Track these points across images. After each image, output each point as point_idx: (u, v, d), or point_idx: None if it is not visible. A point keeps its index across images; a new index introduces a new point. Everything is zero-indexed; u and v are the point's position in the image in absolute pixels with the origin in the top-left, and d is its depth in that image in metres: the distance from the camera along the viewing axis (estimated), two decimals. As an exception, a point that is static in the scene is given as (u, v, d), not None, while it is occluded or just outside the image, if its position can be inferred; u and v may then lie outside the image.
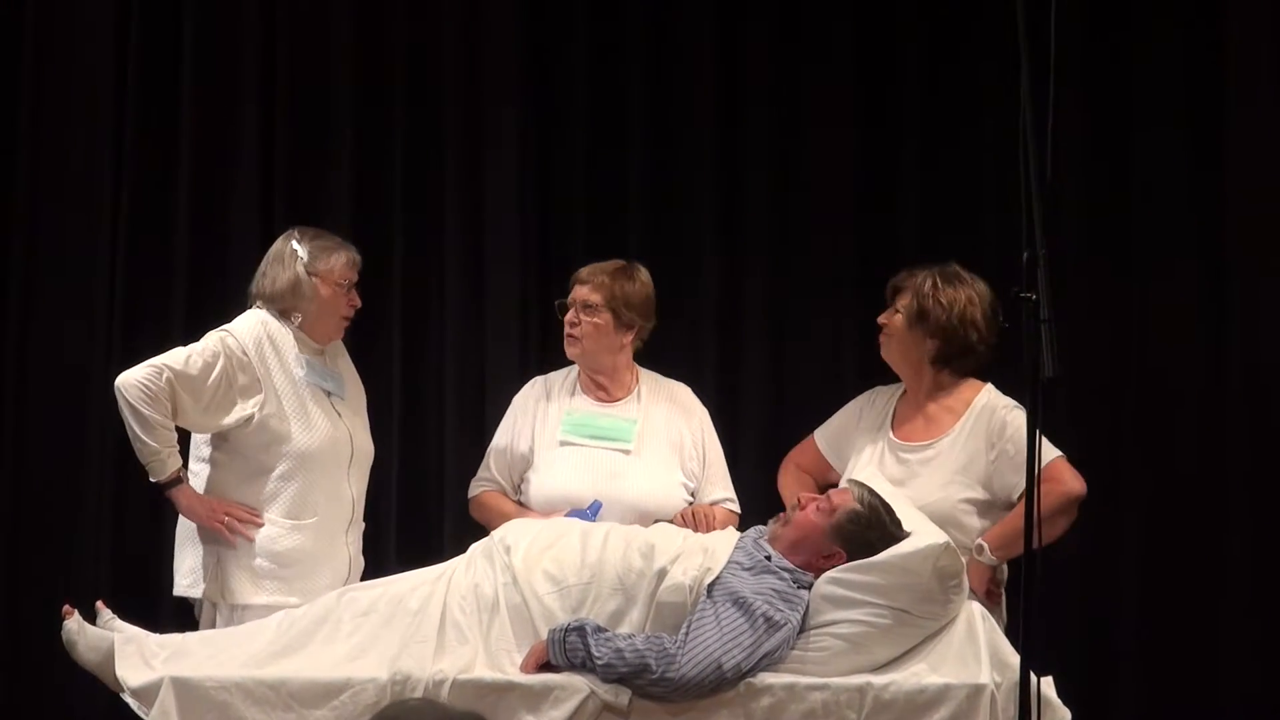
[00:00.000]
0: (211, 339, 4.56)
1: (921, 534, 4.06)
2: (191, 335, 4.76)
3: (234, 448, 4.58)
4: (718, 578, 4.01)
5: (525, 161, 5.62)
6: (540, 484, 4.67)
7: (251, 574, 4.53)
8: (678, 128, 5.67)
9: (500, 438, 4.81)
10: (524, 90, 5.63)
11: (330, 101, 5.61)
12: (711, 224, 5.64)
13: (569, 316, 4.70)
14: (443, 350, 5.60)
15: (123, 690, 3.98)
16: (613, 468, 4.64)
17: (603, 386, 4.77)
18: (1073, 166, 5.43)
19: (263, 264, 4.70)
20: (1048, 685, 3.84)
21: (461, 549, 4.29)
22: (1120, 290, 5.54)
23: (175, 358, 4.48)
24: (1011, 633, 4.10)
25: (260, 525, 4.54)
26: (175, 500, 4.56)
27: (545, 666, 3.93)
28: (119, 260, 5.52)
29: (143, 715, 3.94)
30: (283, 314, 4.63)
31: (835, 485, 4.55)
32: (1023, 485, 3.88)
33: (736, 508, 4.77)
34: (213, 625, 4.52)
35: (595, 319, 4.68)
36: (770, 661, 3.92)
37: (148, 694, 3.93)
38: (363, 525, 4.74)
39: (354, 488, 4.67)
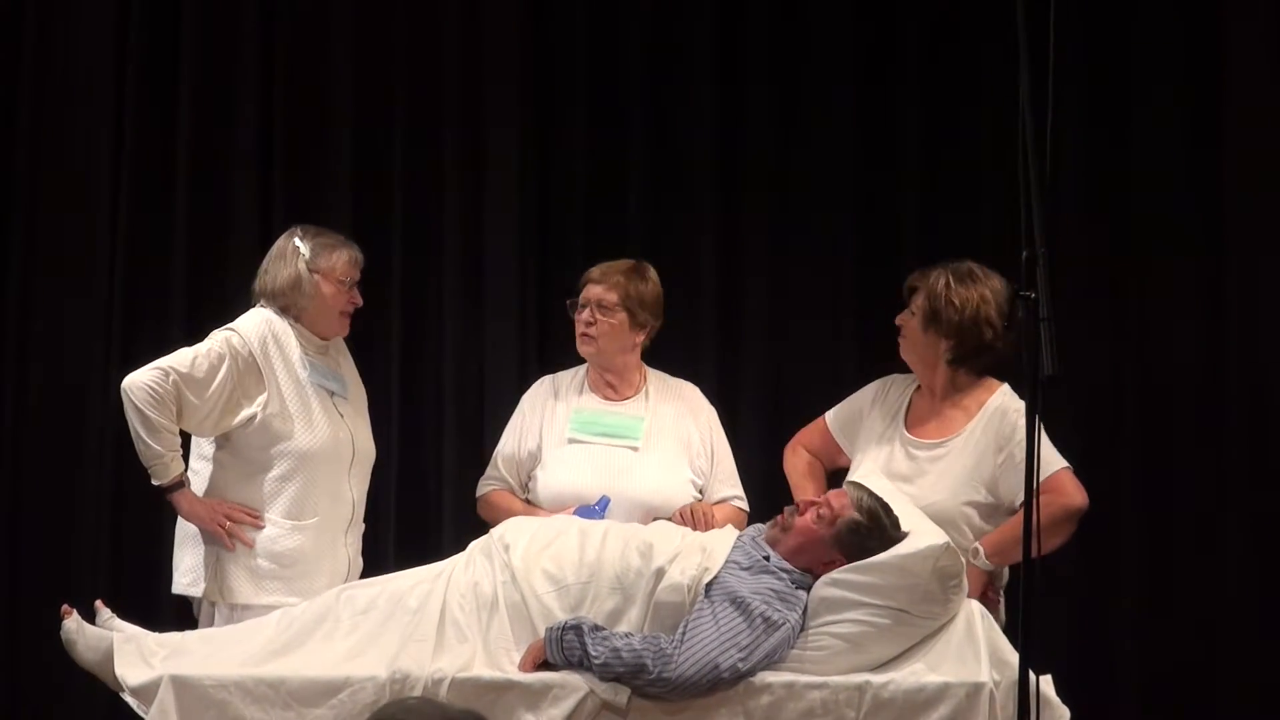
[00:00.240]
0: (216, 339, 4.55)
1: (922, 534, 4.05)
2: (191, 335, 4.76)
3: (236, 447, 4.57)
4: (716, 577, 4.00)
5: (525, 161, 5.63)
6: (549, 481, 4.67)
7: (251, 574, 4.52)
8: (678, 127, 5.67)
9: (508, 437, 4.81)
10: (524, 90, 5.63)
11: (329, 101, 5.61)
12: (711, 224, 5.65)
13: (584, 315, 4.70)
14: (441, 350, 5.60)
15: (122, 689, 3.98)
16: (621, 464, 4.65)
17: (612, 385, 4.77)
18: (1070, 160, 5.43)
19: (265, 261, 4.70)
20: (1046, 683, 3.84)
21: (460, 548, 4.28)
22: (1119, 288, 5.54)
23: (181, 360, 4.48)
24: (1010, 633, 4.09)
25: (260, 527, 4.54)
26: (177, 504, 4.56)
27: (543, 665, 3.92)
28: (118, 260, 5.53)
29: (142, 714, 3.94)
30: (284, 311, 4.63)
31: (844, 469, 4.54)
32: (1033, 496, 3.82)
33: (745, 505, 4.77)
34: (212, 624, 4.52)
35: (611, 319, 4.69)
36: (769, 662, 3.91)
37: (147, 693, 3.93)
38: (363, 526, 4.73)
39: (355, 489, 4.67)
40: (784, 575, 4.01)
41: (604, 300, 4.69)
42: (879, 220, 5.66)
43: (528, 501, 4.73)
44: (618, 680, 3.85)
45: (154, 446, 4.46)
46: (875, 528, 4.08)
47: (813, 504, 4.17)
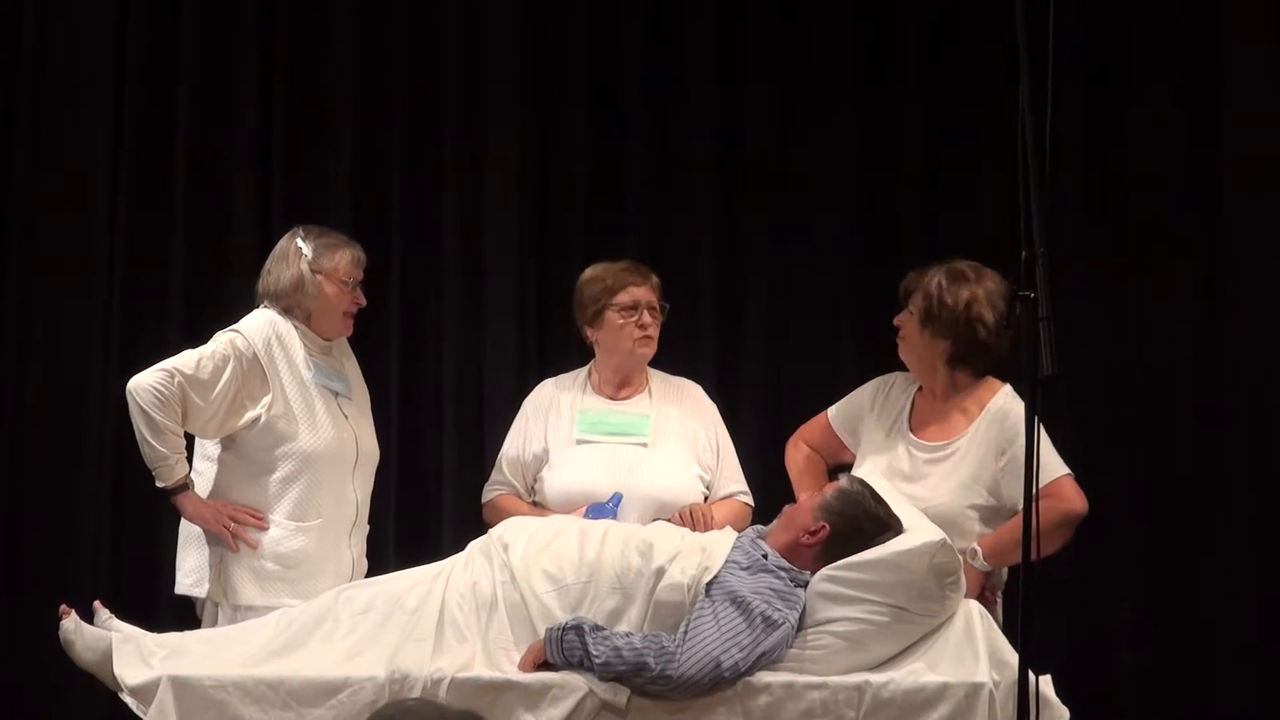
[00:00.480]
0: (221, 341, 4.55)
1: (918, 531, 4.05)
2: (190, 336, 4.77)
3: (240, 448, 4.57)
4: (716, 577, 4.00)
5: (524, 161, 5.63)
6: (558, 481, 4.68)
7: (255, 575, 4.52)
8: (678, 127, 5.67)
9: (511, 441, 4.82)
10: (523, 90, 5.63)
11: (329, 101, 5.62)
12: (711, 224, 5.65)
13: (643, 318, 4.71)
14: (441, 350, 5.60)
15: (121, 689, 3.97)
16: (631, 461, 4.66)
17: (624, 384, 4.79)
18: (1070, 161, 5.44)
19: (268, 262, 4.69)
20: (1046, 684, 3.83)
21: (460, 548, 4.28)
22: (1118, 288, 5.55)
23: (186, 361, 4.48)
24: (1008, 633, 4.09)
25: (264, 528, 4.53)
26: (181, 506, 4.55)
27: (543, 665, 3.92)
28: (118, 260, 5.53)
29: (141, 714, 3.93)
30: (288, 312, 4.63)
31: (846, 466, 4.55)
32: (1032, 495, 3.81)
33: (750, 500, 4.79)
34: (215, 625, 4.51)
35: (659, 319, 4.75)
36: (768, 661, 3.91)
37: (146, 693, 3.92)
38: (367, 528, 4.73)
39: (359, 490, 4.66)
40: (782, 574, 4.01)
41: (652, 301, 4.73)
42: (879, 220, 5.66)
43: (535, 504, 4.73)
44: (619, 679, 3.85)
45: (159, 448, 4.45)
46: (861, 499, 4.11)
47: (811, 496, 4.23)
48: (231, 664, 3.97)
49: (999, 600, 4.41)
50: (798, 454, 4.72)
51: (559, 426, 4.75)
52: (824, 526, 4.08)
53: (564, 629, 3.90)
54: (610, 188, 5.67)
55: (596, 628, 3.90)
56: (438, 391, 5.60)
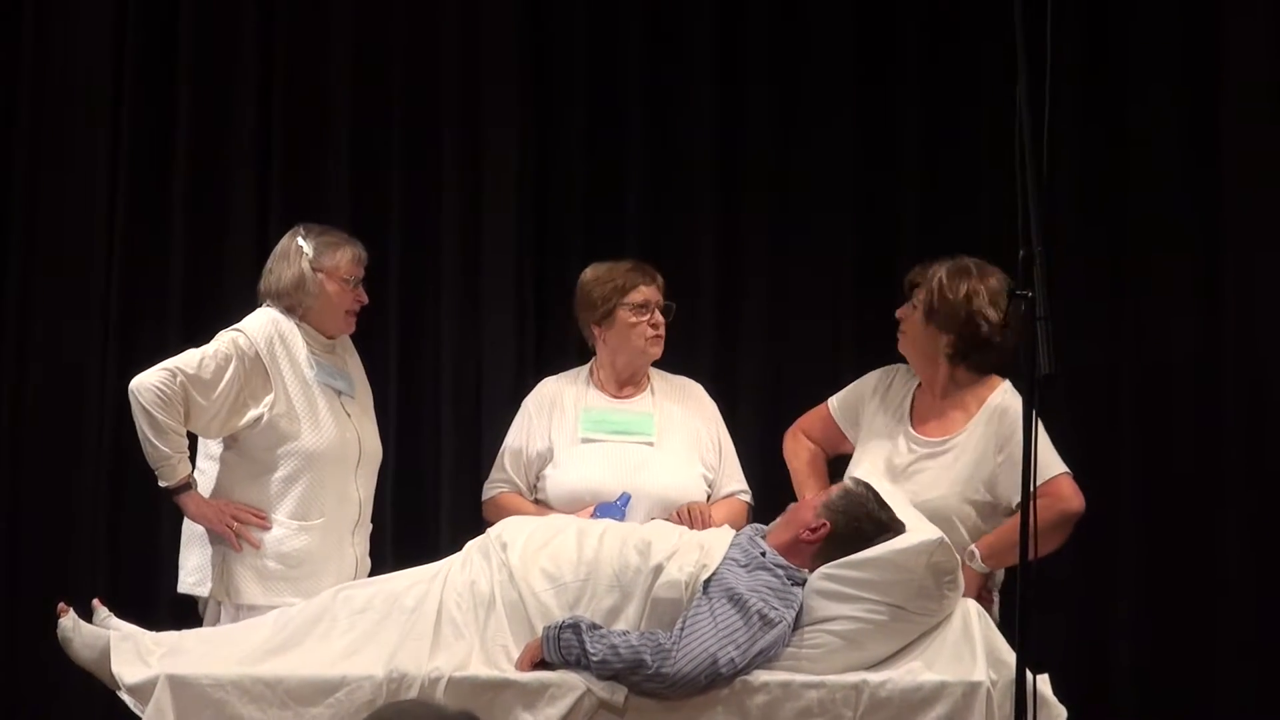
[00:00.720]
0: (223, 340, 4.55)
1: (916, 530, 4.05)
2: (189, 335, 4.77)
3: (243, 448, 4.57)
4: (713, 574, 4.00)
5: (523, 161, 5.63)
6: (564, 480, 4.68)
7: (258, 574, 4.52)
8: (678, 127, 5.67)
9: (514, 438, 4.81)
10: (523, 89, 5.63)
11: (328, 101, 5.62)
12: (710, 221, 5.65)
13: (657, 317, 4.74)
14: (439, 349, 5.60)
15: (119, 688, 3.97)
16: (637, 460, 4.67)
17: (628, 383, 4.79)
18: (1068, 160, 5.44)
19: (269, 261, 4.69)
20: (1044, 683, 3.84)
21: (458, 548, 4.28)
22: (1116, 287, 5.55)
23: (188, 361, 4.47)
24: (1007, 632, 4.09)
25: (267, 528, 4.53)
26: (184, 506, 4.55)
27: (541, 664, 3.92)
28: (116, 260, 5.53)
29: (139, 712, 3.93)
30: (290, 311, 4.62)
31: (846, 457, 4.55)
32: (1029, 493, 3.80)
33: (750, 499, 4.80)
34: (216, 624, 4.51)
35: (666, 319, 4.77)
36: (765, 659, 3.91)
37: (144, 691, 3.92)
38: (370, 527, 4.73)
39: (362, 489, 4.66)
40: (780, 572, 4.01)
41: (660, 301, 4.75)
42: (879, 220, 5.66)
43: (537, 502, 4.73)
44: (615, 678, 3.85)
45: (161, 448, 4.45)
46: (863, 500, 4.11)
47: (816, 496, 4.24)
48: (229, 662, 3.98)
49: (996, 599, 4.40)
50: (798, 446, 4.72)
51: (563, 424, 4.76)
52: (825, 524, 4.08)
53: (561, 627, 3.90)
54: (610, 188, 5.67)
55: (593, 626, 3.90)
56: (436, 390, 5.59)
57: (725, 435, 4.83)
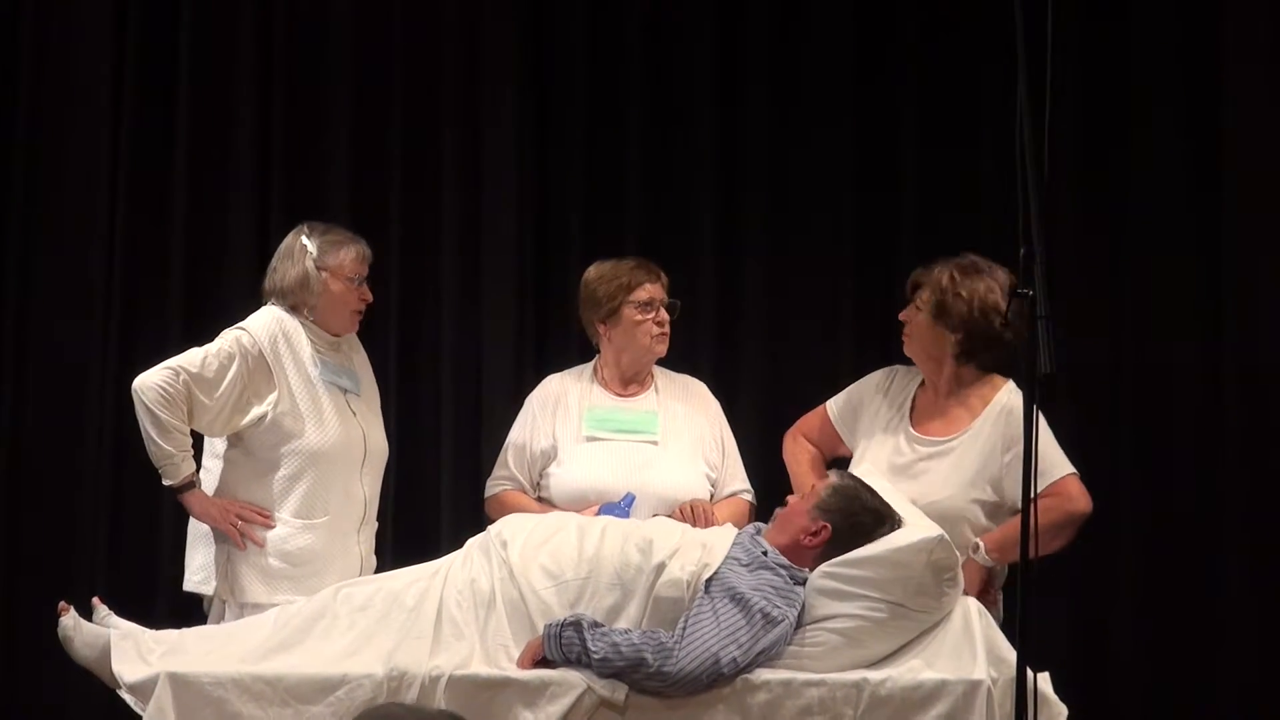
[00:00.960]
0: (226, 338, 4.55)
1: (916, 527, 4.05)
2: (190, 335, 4.77)
3: (248, 446, 4.57)
4: (715, 573, 4.00)
5: (523, 161, 5.63)
6: (569, 478, 4.68)
7: (262, 573, 4.52)
8: (678, 127, 5.68)
9: (517, 436, 4.81)
10: (523, 89, 5.63)
11: (328, 101, 5.62)
12: (710, 221, 5.65)
13: (663, 315, 4.75)
14: (439, 350, 5.60)
15: (119, 686, 3.97)
16: (642, 459, 4.67)
17: (632, 381, 4.80)
18: (1068, 159, 5.44)
19: (274, 259, 4.69)
20: (1044, 681, 3.84)
21: (458, 545, 4.28)
22: (1116, 287, 5.55)
23: (191, 360, 4.47)
24: (1009, 631, 4.09)
25: (271, 526, 4.53)
26: (188, 505, 4.55)
27: (542, 662, 3.92)
28: (116, 259, 5.53)
29: (139, 711, 3.93)
30: (294, 309, 4.62)
31: (844, 460, 4.54)
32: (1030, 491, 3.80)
33: (752, 498, 4.80)
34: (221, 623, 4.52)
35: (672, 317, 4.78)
36: (767, 658, 3.91)
37: (144, 690, 3.92)
38: (376, 525, 4.72)
39: (367, 487, 4.66)
40: (782, 571, 4.01)
41: (664, 299, 4.76)
42: (879, 220, 5.66)
43: (540, 499, 4.73)
44: (617, 676, 3.85)
45: (165, 447, 4.45)
46: (857, 493, 4.11)
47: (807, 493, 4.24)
48: (229, 661, 3.97)
49: (1001, 598, 4.40)
50: (798, 449, 4.71)
51: (567, 422, 4.75)
52: (825, 527, 4.08)
53: (562, 625, 3.89)
54: (610, 188, 5.67)
55: (595, 624, 3.90)
56: (436, 391, 5.59)
57: (728, 434, 4.84)
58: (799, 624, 3.97)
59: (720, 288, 5.64)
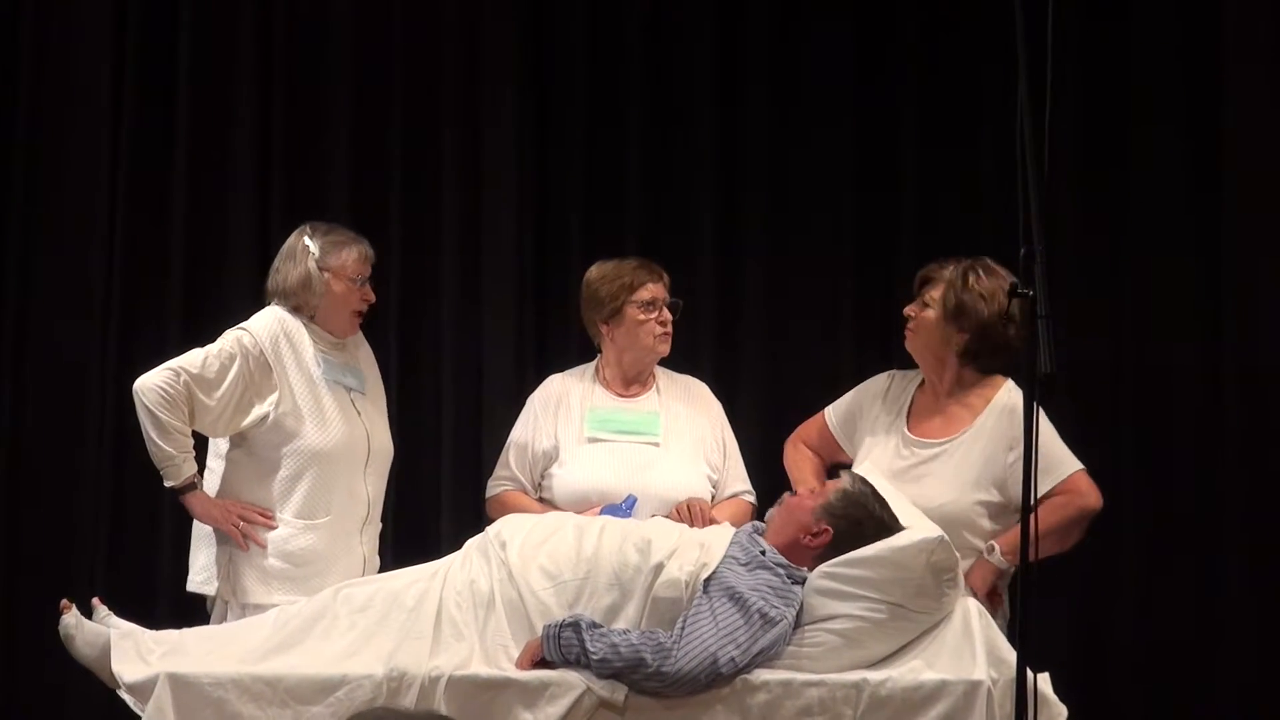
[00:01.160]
0: (228, 339, 4.55)
1: (916, 528, 4.04)
2: (190, 336, 4.77)
3: (250, 446, 4.57)
4: (714, 573, 3.99)
5: (523, 161, 5.63)
6: (571, 479, 4.67)
7: (263, 573, 4.52)
8: (678, 127, 5.68)
9: (519, 436, 4.80)
10: (523, 89, 5.64)
11: (328, 101, 5.62)
12: (710, 221, 5.66)
13: (665, 315, 4.74)
14: (439, 350, 5.61)
15: (118, 686, 3.96)
16: (643, 460, 4.66)
17: (634, 381, 4.80)
18: (1069, 159, 5.44)
19: (276, 260, 4.69)
20: (1044, 681, 3.83)
21: (457, 547, 4.27)
22: (1117, 287, 5.55)
23: (192, 360, 4.47)
24: (1011, 631, 4.09)
25: (273, 526, 4.53)
26: (190, 506, 4.55)
27: (541, 663, 3.91)
28: (116, 259, 5.54)
29: (139, 711, 3.92)
30: (297, 310, 4.62)
31: (844, 466, 4.53)
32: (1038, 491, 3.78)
33: (753, 499, 4.80)
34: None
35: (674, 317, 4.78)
36: (765, 658, 3.90)
37: (143, 690, 3.91)
38: (379, 525, 4.72)
39: (371, 487, 4.66)
40: (781, 571, 4.01)
41: (666, 298, 4.76)
42: (878, 220, 5.66)
43: (542, 500, 4.73)
44: (615, 676, 3.84)
45: (165, 448, 4.45)
46: (864, 500, 4.10)
47: (810, 489, 4.23)
48: (229, 661, 3.97)
49: (1007, 597, 4.39)
50: (799, 455, 4.71)
51: (569, 423, 4.75)
52: (826, 530, 4.08)
53: (561, 626, 3.89)
54: (610, 188, 5.67)
55: (593, 624, 3.90)
56: (436, 391, 5.60)
57: (730, 435, 4.83)
58: (798, 624, 3.96)
59: (720, 288, 5.65)
